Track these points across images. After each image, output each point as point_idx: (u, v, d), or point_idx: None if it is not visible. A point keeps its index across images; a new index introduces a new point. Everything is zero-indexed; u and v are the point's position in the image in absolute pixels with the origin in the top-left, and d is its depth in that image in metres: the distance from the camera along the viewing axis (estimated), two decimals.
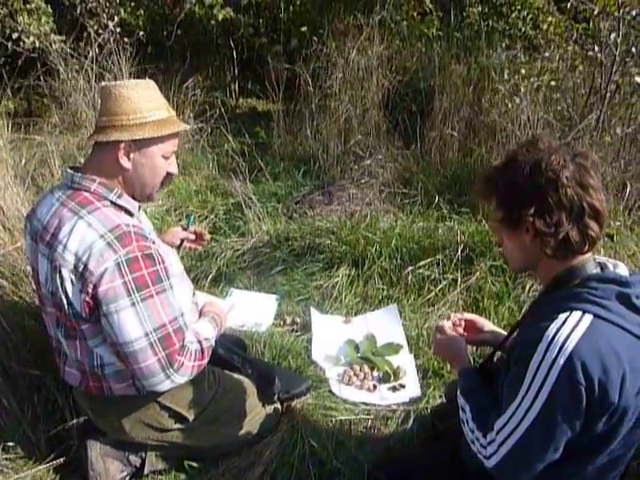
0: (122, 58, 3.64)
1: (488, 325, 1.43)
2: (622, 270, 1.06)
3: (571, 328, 0.96)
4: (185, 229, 1.93)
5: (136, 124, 1.33)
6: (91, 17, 3.68)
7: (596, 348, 0.94)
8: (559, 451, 1.00)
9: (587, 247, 1.03)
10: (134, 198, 1.43)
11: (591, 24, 3.09)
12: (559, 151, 1.03)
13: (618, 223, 2.62)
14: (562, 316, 0.98)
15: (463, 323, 1.42)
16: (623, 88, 2.80)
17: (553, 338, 0.96)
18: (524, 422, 0.99)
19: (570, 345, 0.94)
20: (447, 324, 1.38)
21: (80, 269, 1.27)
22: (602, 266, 1.08)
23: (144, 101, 1.35)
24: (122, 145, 1.33)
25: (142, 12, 4.25)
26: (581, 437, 0.99)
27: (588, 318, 0.97)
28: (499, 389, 1.10)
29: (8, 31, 3.56)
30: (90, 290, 1.27)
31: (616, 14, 2.51)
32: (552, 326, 0.97)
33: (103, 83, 1.40)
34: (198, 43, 4.94)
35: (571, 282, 1.04)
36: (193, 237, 1.92)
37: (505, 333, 1.39)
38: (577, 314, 0.98)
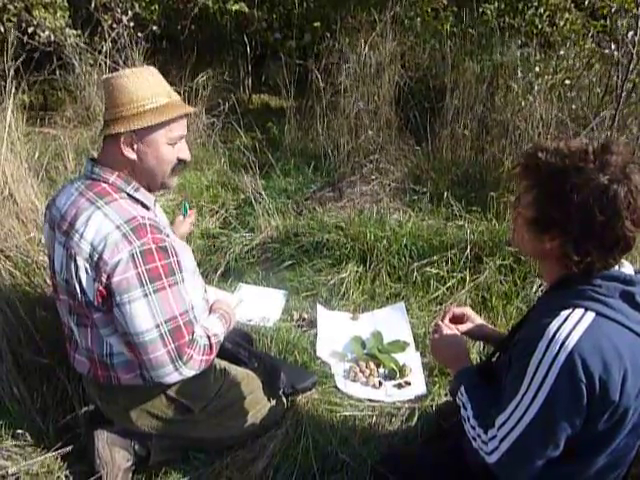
0: (135, 52, 3.67)
1: (476, 319, 1.41)
2: (627, 269, 1.05)
3: (573, 325, 0.95)
4: (184, 216, 1.97)
5: (134, 114, 1.32)
6: (105, 11, 3.71)
7: (597, 346, 0.93)
8: (559, 448, 1.00)
9: (604, 269, 1.00)
10: (148, 189, 1.43)
11: (608, 21, 3.04)
12: (631, 177, 0.93)
13: None
14: (564, 313, 0.97)
15: (449, 317, 1.39)
16: None
17: (554, 335, 0.95)
18: (525, 418, 0.99)
19: (571, 342, 0.93)
20: (444, 322, 1.35)
21: (95, 258, 1.28)
22: None
23: (142, 89, 1.33)
24: (122, 137, 1.33)
25: (156, 7, 4.28)
26: (582, 435, 0.99)
27: (590, 315, 0.96)
28: (501, 386, 1.10)
29: (24, 25, 3.59)
30: (104, 280, 1.29)
31: (634, 12, 2.46)
32: (554, 323, 0.97)
33: (104, 76, 1.38)
34: (212, 38, 4.97)
35: (576, 280, 1.03)
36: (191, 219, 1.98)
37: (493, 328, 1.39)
38: (579, 311, 0.97)
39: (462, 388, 1.18)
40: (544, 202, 0.99)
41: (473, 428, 1.11)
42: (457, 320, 1.41)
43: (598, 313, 0.96)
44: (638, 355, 0.95)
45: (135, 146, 1.36)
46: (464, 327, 1.39)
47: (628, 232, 0.94)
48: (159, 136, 1.37)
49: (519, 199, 1.08)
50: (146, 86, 1.34)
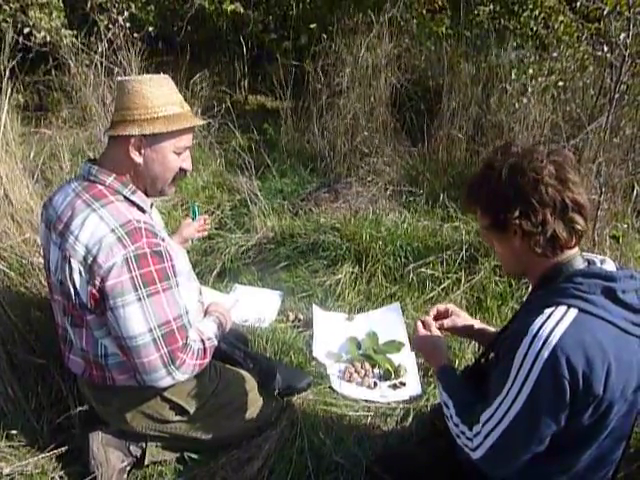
0: (132, 53, 3.66)
1: (460, 313, 1.44)
2: (609, 265, 1.08)
3: (555, 322, 0.97)
4: (193, 219, 1.99)
5: (147, 119, 1.34)
6: (101, 12, 3.70)
7: (580, 341, 0.95)
8: (544, 443, 1.02)
9: (574, 241, 1.05)
10: (146, 193, 1.44)
11: (602, 24, 3.06)
12: (533, 152, 1.05)
13: (625, 225, 2.60)
14: (547, 311, 1.00)
15: (432, 314, 1.42)
16: (633, 89, 2.77)
17: (537, 332, 0.97)
18: (509, 414, 1.01)
19: (554, 339, 0.95)
20: (430, 320, 1.38)
21: (89, 261, 1.29)
22: (589, 262, 1.09)
23: (156, 96, 1.35)
24: (132, 140, 1.34)
25: (152, 7, 4.28)
26: (567, 431, 1.00)
27: (573, 312, 0.98)
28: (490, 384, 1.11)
29: (20, 25, 3.58)
30: (97, 283, 1.29)
31: (627, 14, 2.48)
32: (537, 320, 0.99)
33: (119, 78, 1.40)
34: (208, 39, 4.96)
35: (558, 278, 1.06)
36: (203, 225, 2.00)
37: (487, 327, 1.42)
38: (562, 308, 0.99)
39: (441, 387, 1.21)
40: (487, 206, 1.10)
41: (456, 425, 1.13)
42: (442, 316, 1.44)
43: (581, 310, 0.98)
44: (623, 349, 0.97)
45: (143, 151, 1.37)
46: (448, 321, 1.42)
47: (561, 190, 1.01)
48: (168, 144, 1.38)
49: (481, 228, 1.16)
50: (160, 94, 1.36)
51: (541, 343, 0.96)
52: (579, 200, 1.02)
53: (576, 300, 0.99)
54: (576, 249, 1.08)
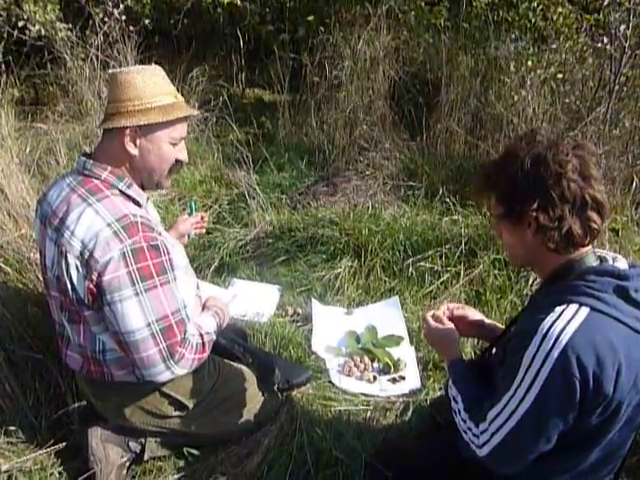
0: (127, 46, 3.63)
1: (478, 316, 1.40)
2: (621, 263, 1.06)
3: (567, 321, 0.95)
4: (190, 215, 1.96)
5: (141, 110, 1.32)
6: (97, 5, 3.66)
7: (591, 341, 0.93)
8: (552, 442, 1.01)
9: (589, 239, 1.02)
10: (142, 186, 1.43)
11: (601, 15, 3.04)
12: (559, 143, 1.02)
13: (625, 218, 2.59)
14: (558, 309, 0.98)
15: (447, 313, 1.37)
16: (632, 81, 2.76)
17: (548, 330, 0.95)
18: (517, 412, 0.99)
19: (565, 338, 0.93)
20: (442, 313, 1.35)
21: (86, 256, 1.28)
22: (601, 259, 1.07)
23: (149, 87, 1.34)
24: (127, 131, 1.33)
25: (148, 0, 4.23)
26: (576, 429, 0.99)
27: (584, 311, 0.96)
28: (496, 381, 1.10)
29: (14, 19, 3.54)
30: (94, 278, 1.28)
31: (626, 5, 2.46)
32: (548, 318, 0.97)
33: (110, 70, 1.40)
34: (204, 32, 4.93)
35: (570, 275, 1.03)
36: (201, 222, 1.96)
37: (496, 324, 1.39)
38: (574, 307, 0.97)
39: (451, 381, 1.20)
40: (504, 194, 1.06)
41: (464, 421, 1.12)
42: (457, 319, 1.39)
43: (592, 308, 0.97)
44: (633, 349, 0.96)
45: (138, 142, 1.35)
46: (460, 312, 1.37)
47: (583, 187, 0.98)
48: (163, 134, 1.37)
49: (492, 216, 1.13)
50: (153, 84, 1.35)
51: (552, 342, 0.94)
52: (599, 198, 0.99)
53: (588, 298, 0.97)
54: (589, 247, 1.05)
